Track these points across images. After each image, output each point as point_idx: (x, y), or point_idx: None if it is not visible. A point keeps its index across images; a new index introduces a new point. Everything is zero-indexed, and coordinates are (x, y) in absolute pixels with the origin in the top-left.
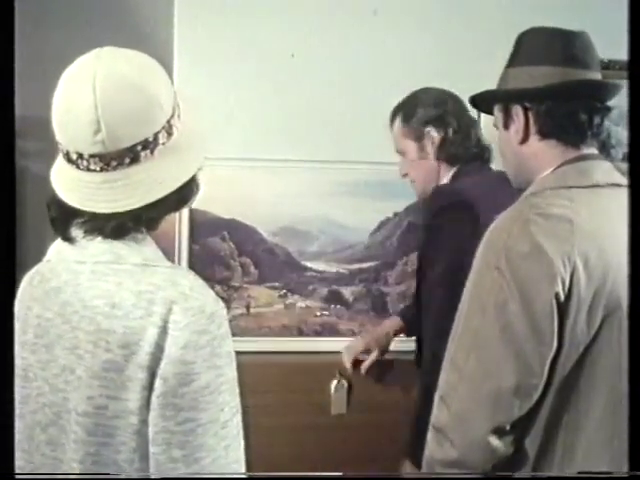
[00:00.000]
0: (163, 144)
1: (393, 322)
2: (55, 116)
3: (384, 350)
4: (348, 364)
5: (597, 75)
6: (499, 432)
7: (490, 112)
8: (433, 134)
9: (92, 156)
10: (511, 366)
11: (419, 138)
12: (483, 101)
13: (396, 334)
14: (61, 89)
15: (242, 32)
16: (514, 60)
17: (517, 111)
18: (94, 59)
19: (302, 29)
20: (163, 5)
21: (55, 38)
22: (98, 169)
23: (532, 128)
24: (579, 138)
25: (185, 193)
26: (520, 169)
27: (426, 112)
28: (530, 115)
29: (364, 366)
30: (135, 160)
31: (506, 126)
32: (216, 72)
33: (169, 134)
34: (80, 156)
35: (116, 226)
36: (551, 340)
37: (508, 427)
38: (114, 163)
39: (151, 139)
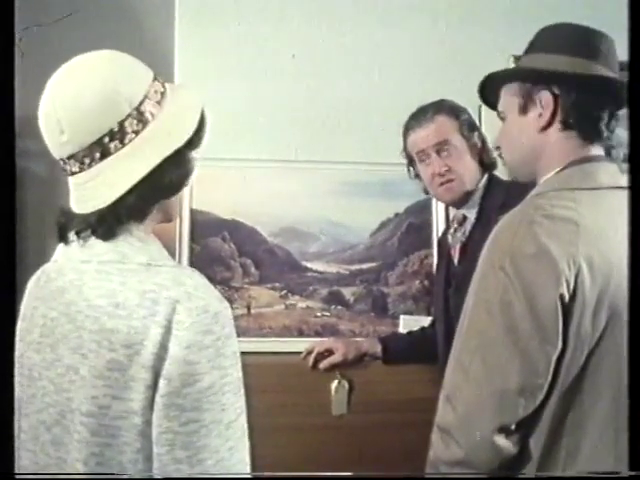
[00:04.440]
0: (135, 132)
1: (371, 345)
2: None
3: (347, 360)
4: (312, 357)
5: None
6: (504, 432)
7: (493, 101)
8: None
9: (69, 158)
10: (516, 366)
11: None
12: (502, 80)
13: (365, 355)
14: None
15: (243, 33)
16: (534, 47)
17: (544, 96)
18: (56, 74)
19: (302, 30)
20: (163, 6)
21: (55, 38)
22: (77, 170)
23: (557, 116)
24: (595, 136)
25: (165, 179)
26: (528, 159)
27: None
28: (559, 102)
29: (323, 363)
30: (106, 153)
31: (525, 111)
32: (216, 73)
33: (140, 121)
34: (63, 161)
35: (103, 224)
36: (556, 340)
37: (513, 427)
38: (87, 160)
39: (117, 129)
